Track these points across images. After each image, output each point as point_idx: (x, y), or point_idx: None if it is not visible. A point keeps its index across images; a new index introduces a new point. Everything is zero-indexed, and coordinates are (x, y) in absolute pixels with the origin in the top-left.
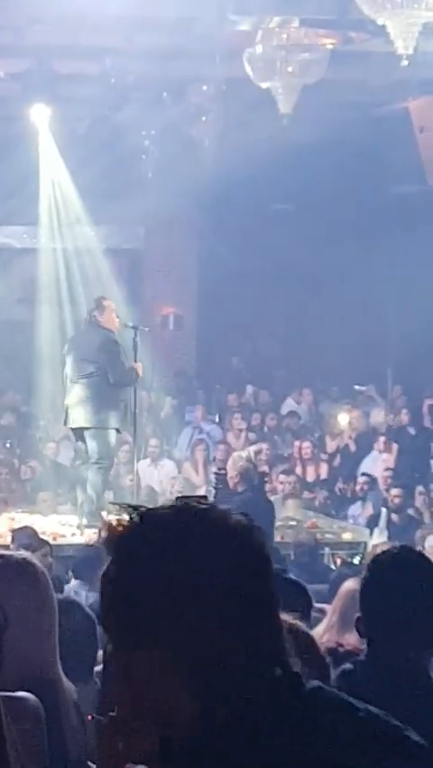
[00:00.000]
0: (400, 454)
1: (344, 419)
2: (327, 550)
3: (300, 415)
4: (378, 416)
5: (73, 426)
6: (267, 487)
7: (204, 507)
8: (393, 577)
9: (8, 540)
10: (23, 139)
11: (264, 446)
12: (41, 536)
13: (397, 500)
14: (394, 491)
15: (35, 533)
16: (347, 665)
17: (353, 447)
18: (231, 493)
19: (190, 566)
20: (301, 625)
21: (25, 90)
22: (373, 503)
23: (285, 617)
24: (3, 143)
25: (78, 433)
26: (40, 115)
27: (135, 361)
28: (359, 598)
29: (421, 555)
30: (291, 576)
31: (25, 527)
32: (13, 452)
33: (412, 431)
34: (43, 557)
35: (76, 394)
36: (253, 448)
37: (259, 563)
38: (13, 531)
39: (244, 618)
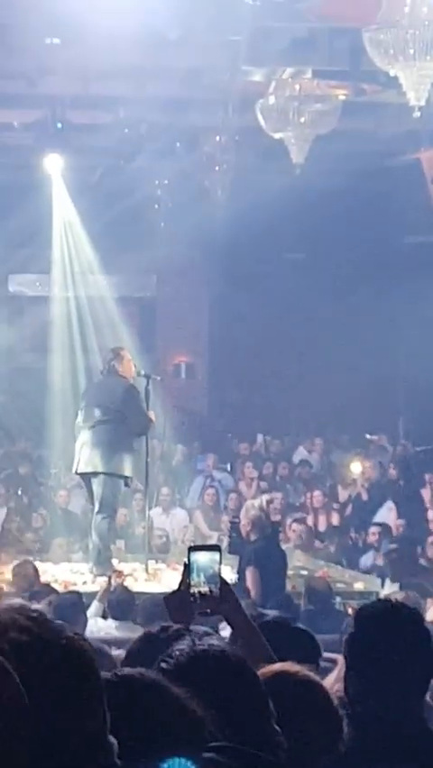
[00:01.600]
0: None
1: (356, 468)
2: (338, 599)
3: (312, 464)
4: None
5: (83, 471)
6: (280, 536)
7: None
8: (374, 632)
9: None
10: (36, 188)
11: (278, 495)
12: (53, 585)
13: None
14: (391, 545)
15: (36, 572)
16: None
17: (365, 496)
18: (244, 542)
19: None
20: (316, 677)
21: (38, 139)
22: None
23: (299, 668)
24: (16, 192)
25: (86, 478)
26: (52, 165)
27: (148, 409)
28: (344, 654)
29: (405, 608)
30: (300, 626)
31: (25, 563)
32: (24, 501)
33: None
34: (48, 606)
35: (88, 439)
36: (265, 497)
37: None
38: (15, 567)
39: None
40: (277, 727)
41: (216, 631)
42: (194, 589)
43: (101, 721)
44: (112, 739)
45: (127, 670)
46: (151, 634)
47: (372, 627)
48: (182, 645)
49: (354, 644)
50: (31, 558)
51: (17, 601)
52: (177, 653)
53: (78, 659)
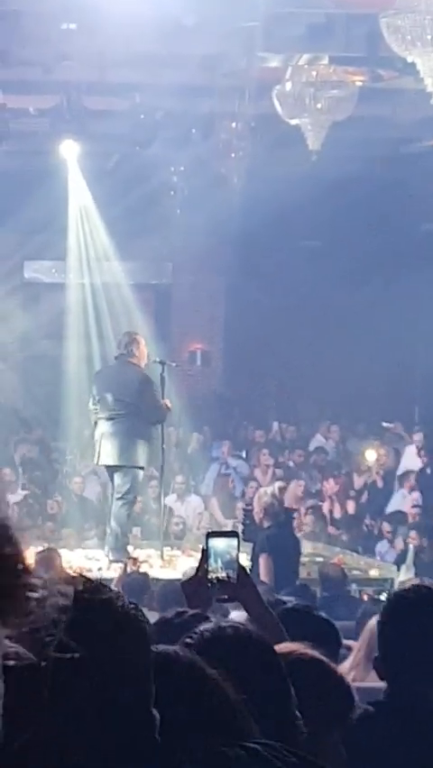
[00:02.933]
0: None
1: (371, 456)
2: (353, 586)
3: (328, 451)
4: (411, 454)
5: (104, 463)
6: (295, 523)
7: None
8: (412, 615)
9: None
10: (52, 174)
11: (301, 483)
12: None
13: (415, 541)
14: (412, 533)
15: (60, 560)
16: (367, 707)
17: (380, 484)
18: (257, 529)
19: None
20: (329, 662)
21: (54, 126)
22: (401, 541)
23: (313, 652)
24: (32, 178)
25: (108, 469)
26: (69, 151)
27: (163, 396)
28: (377, 638)
29: None
30: (321, 613)
31: (49, 550)
32: (39, 487)
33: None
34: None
35: (107, 430)
36: (277, 484)
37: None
38: (38, 554)
39: None
40: (297, 713)
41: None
42: (212, 575)
43: (148, 693)
44: (155, 713)
45: (162, 647)
46: (166, 619)
47: (406, 610)
48: (207, 625)
49: (389, 625)
50: (45, 544)
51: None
52: (202, 629)
53: (134, 628)
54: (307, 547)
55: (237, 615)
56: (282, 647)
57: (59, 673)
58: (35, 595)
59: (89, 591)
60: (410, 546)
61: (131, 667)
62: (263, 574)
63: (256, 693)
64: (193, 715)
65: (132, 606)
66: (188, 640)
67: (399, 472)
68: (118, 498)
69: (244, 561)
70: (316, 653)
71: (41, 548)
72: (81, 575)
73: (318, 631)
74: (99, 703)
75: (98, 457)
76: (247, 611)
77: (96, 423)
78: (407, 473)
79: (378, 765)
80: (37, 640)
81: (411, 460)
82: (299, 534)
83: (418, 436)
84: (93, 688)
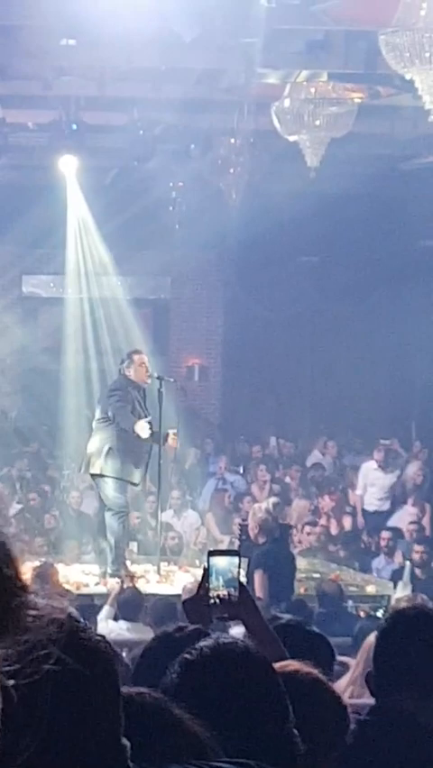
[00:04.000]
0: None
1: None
2: (350, 603)
3: (325, 467)
4: (412, 470)
5: (90, 472)
6: (295, 539)
7: None
8: (408, 634)
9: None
10: (51, 189)
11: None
12: (65, 586)
13: (419, 556)
14: (417, 547)
15: (56, 574)
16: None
17: None
18: (253, 545)
19: None
20: (323, 678)
21: (53, 140)
22: (399, 556)
23: (309, 668)
24: (30, 193)
25: (97, 481)
26: (67, 166)
27: (160, 410)
28: (373, 653)
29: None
30: (314, 629)
31: (45, 565)
32: (36, 501)
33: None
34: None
35: (95, 440)
36: (272, 500)
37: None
38: (35, 568)
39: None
40: (295, 731)
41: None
42: (213, 593)
43: (117, 722)
44: (125, 741)
45: (126, 689)
46: (167, 633)
47: (403, 628)
48: (207, 641)
49: (385, 642)
50: (42, 559)
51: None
52: (202, 644)
53: (105, 662)
54: (303, 563)
55: (237, 631)
56: (281, 665)
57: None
58: (32, 613)
59: (75, 631)
60: (407, 563)
61: (93, 699)
62: (258, 590)
63: (254, 710)
64: (160, 751)
65: (100, 638)
66: (188, 656)
67: (399, 488)
68: (109, 511)
69: (241, 577)
70: (314, 671)
71: (37, 563)
72: (67, 614)
73: (312, 646)
74: (62, 737)
75: (88, 466)
76: (247, 629)
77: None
78: (407, 489)
79: None
80: (31, 657)
81: (413, 475)
82: (296, 551)
83: (422, 453)
84: (54, 722)
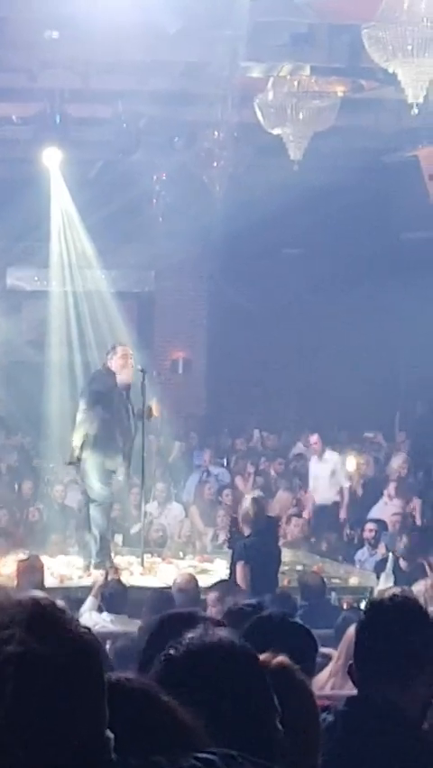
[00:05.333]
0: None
1: (351, 464)
2: (333, 595)
3: (307, 457)
4: (397, 462)
5: (75, 463)
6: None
7: None
8: (387, 623)
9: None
10: (35, 182)
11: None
12: (49, 578)
13: (403, 547)
14: (401, 538)
15: (42, 568)
16: (328, 716)
17: (360, 492)
18: (240, 537)
19: None
20: (296, 669)
21: (37, 133)
22: (382, 548)
23: (283, 659)
24: (14, 186)
25: (81, 473)
26: (51, 158)
27: (143, 403)
28: (354, 643)
29: (417, 602)
30: (297, 621)
31: (32, 558)
32: (20, 494)
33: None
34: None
35: (78, 432)
36: (255, 492)
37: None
38: (20, 562)
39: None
40: (280, 726)
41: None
42: None
43: (101, 715)
44: (109, 734)
45: (115, 675)
46: (173, 614)
47: (382, 618)
48: (193, 634)
49: (365, 632)
50: (26, 552)
51: (34, 591)
52: (187, 641)
53: (85, 652)
54: (287, 555)
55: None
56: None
57: (16, 671)
58: None
59: (42, 615)
60: (390, 555)
61: (78, 692)
62: (240, 582)
63: (239, 704)
64: (148, 738)
65: (85, 629)
66: (172, 651)
67: (383, 479)
68: (91, 502)
69: (224, 569)
70: (282, 659)
71: (23, 556)
72: (33, 598)
73: (295, 639)
74: (46, 729)
75: (71, 456)
76: None
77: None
78: (390, 481)
79: None
80: None
81: (397, 468)
82: (282, 543)
83: (405, 444)
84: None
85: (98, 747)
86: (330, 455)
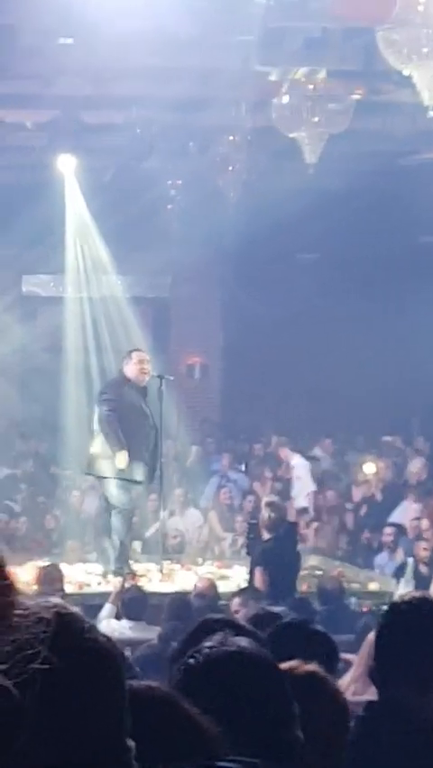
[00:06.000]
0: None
1: (370, 469)
2: (353, 600)
3: (320, 459)
4: (415, 466)
5: (95, 475)
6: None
7: None
8: (407, 626)
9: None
10: (49, 188)
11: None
12: (67, 585)
13: (424, 552)
14: (421, 543)
15: (61, 575)
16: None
17: (379, 497)
18: (259, 542)
19: None
20: (326, 676)
21: (51, 140)
22: (401, 553)
23: (311, 667)
24: (29, 192)
25: (101, 480)
26: (66, 165)
27: (161, 409)
28: (374, 646)
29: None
30: (317, 627)
31: (51, 566)
32: (37, 501)
33: None
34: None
35: (96, 442)
36: (272, 497)
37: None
38: (40, 569)
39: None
40: (300, 734)
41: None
42: None
43: (122, 724)
44: (131, 742)
45: (137, 683)
46: (208, 621)
47: (402, 621)
48: (211, 642)
49: (385, 636)
50: (44, 559)
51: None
52: (206, 649)
53: (106, 661)
54: (307, 560)
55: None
56: (284, 665)
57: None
58: (19, 612)
59: (65, 629)
60: (409, 560)
61: (98, 699)
62: (259, 587)
63: (258, 711)
64: (170, 747)
65: (105, 638)
66: (192, 660)
67: (402, 483)
68: (112, 509)
69: (242, 575)
70: (314, 668)
71: (42, 563)
72: (57, 605)
73: (315, 645)
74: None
75: (91, 468)
76: None
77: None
78: (410, 485)
79: None
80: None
81: (417, 472)
82: (302, 547)
83: (425, 448)
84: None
85: (120, 756)
86: (298, 461)
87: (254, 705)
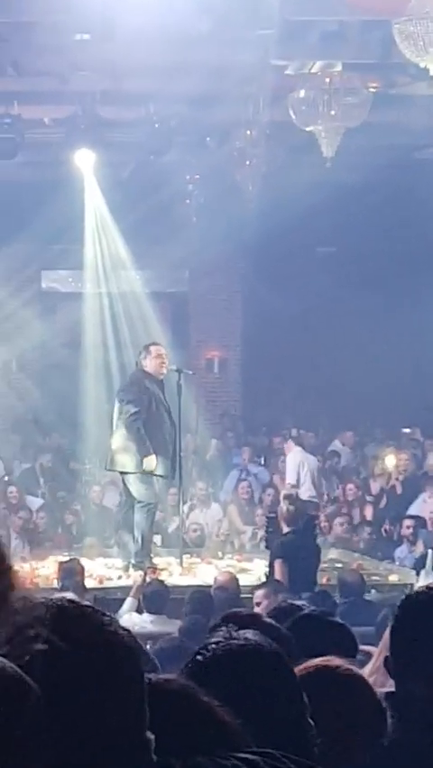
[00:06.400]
0: None
1: (390, 461)
2: (373, 592)
3: (340, 454)
4: None
5: (117, 470)
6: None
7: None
8: (422, 616)
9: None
10: (68, 184)
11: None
12: (87, 579)
13: None
14: None
15: (82, 570)
16: None
17: (399, 489)
18: (278, 535)
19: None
20: (357, 670)
21: (69, 136)
22: (421, 545)
23: (339, 661)
24: (48, 189)
25: (123, 476)
26: (84, 160)
27: (180, 404)
28: (389, 637)
29: None
30: (337, 619)
31: (72, 561)
32: (57, 496)
33: None
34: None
35: (117, 437)
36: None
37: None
38: (60, 564)
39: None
40: (311, 722)
41: None
42: None
43: (141, 717)
44: (149, 735)
45: (155, 676)
46: (230, 615)
47: (416, 613)
48: (218, 638)
49: (399, 628)
50: (65, 553)
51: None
52: (213, 646)
53: (119, 651)
54: (327, 553)
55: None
56: (313, 662)
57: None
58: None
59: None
60: (429, 551)
61: (116, 693)
62: (279, 579)
63: (268, 705)
64: (189, 739)
65: (123, 630)
66: (199, 657)
67: (421, 475)
68: (139, 505)
69: (262, 568)
70: (347, 665)
71: (63, 558)
72: (68, 600)
73: (334, 637)
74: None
75: (112, 464)
76: None
77: (112, 431)
78: (429, 477)
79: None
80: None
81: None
82: (323, 540)
83: None
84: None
85: (139, 748)
86: (292, 455)
87: (263, 696)
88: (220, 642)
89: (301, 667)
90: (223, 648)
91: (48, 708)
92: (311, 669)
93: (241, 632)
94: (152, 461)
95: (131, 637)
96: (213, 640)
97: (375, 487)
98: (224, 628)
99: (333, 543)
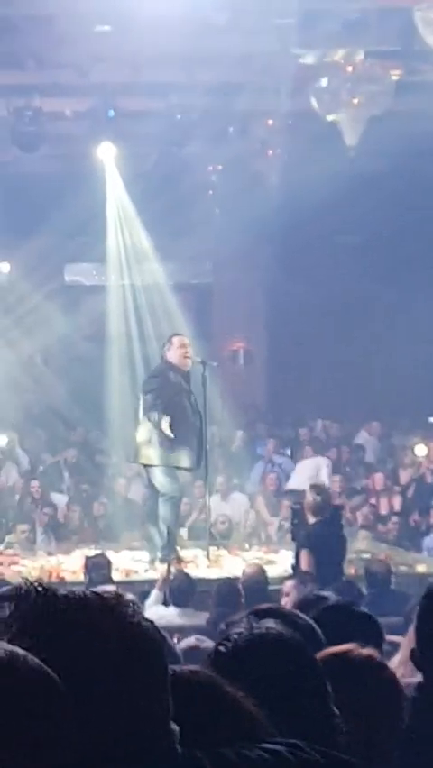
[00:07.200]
0: None
1: (421, 450)
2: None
3: (366, 447)
4: None
5: (142, 463)
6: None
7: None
8: None
9: (81, 571)
10: (90, 176)
11: (336, 478)
12: (114, 572)
13: None
14: None
15: (109, 564)
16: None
17: (429, 479)
18: (304, 526)
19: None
20: (379, 658)
21: (91, 128)
22: None
23: (364, 650)
24: (70, 181)
25: (148, 469)
26: (106, 153)
27: (205, 395)
28: (415, 627)
29: None
30: (362, 609)
31: (99, 555)
32: (82, 490)
33: None
34: None
35: (142, 430)
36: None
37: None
38: (87, 558)
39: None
40: (335, 709)
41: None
42: None
43: (165, 708)
44: (174, 726)
45: (178, 668)
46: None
47: None
48: (240, 629)
49: (424, 617)
50: (91, 546)
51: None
52: (235, 636)
53: (146, 644)
54: (354, 543)
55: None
56: (335, 649)
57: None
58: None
59: (108, 608)
60: None
61: (141, 684)
62: (306, 570)
63: (291, 694)
64: (213, 730)
65: (147, 621)
66: (221, 648)
67: None
68: (163, 498)
69: (289, 560)
70: (371, 652)
71: (89, 552)
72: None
73: (360, 627)
74: (110, 721)
75: (137, 456)
76: None
77: (137, 423)
78: None
79: (403, 762)
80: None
81: None
82: (350, 530)
83: None
84: (102, 706)
85: (164, 739)
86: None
87: (288, 685)
88: (242, 632)
89: (319, 655)
90: (245, 639)
91: (72, 701)
92: (328, 656)
93: (261, 622)
94: (166, 423)
95: (155, 629)
96: (234, 631)
97: (405, 476)
98: (244, 620)
99: (359, 533)
